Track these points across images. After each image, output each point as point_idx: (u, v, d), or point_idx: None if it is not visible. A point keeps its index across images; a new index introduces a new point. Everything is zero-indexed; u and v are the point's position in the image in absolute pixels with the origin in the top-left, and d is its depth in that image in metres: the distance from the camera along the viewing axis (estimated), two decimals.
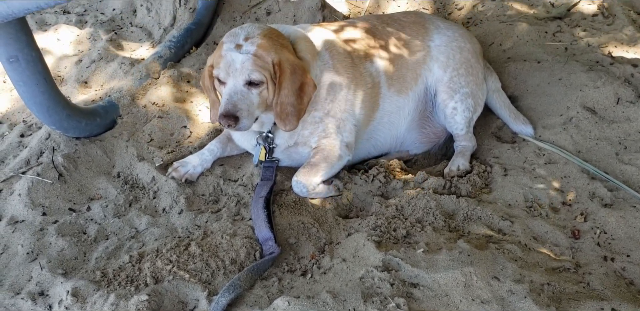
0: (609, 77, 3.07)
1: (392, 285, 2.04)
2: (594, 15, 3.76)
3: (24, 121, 3.30)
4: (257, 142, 2.73)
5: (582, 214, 2.53)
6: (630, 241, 2.39)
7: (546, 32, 3.60)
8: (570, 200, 2.61)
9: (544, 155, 2.85)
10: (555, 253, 2.33)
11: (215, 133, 3.07)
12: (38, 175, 2.73)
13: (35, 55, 2.64)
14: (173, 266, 2.23)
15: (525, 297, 1.98)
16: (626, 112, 2.95)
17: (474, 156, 2.99)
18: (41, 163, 2.79)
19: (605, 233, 2.43)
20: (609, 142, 2.85)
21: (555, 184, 2.68)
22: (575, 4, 3.80)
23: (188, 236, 2.45)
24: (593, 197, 2.61)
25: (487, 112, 3.16)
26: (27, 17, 3.89)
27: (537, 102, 3.15)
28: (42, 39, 3.88)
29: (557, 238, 2.41)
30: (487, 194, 2.69)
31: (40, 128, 3.11)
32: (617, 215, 2.47)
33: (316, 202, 2.63)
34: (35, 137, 2.98)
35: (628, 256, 2.33)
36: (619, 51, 3.39)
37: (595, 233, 2.43)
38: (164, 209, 2.68)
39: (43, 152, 2.88)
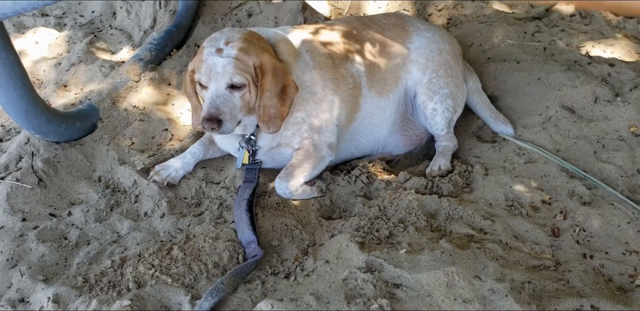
0: (587, 77, 3.11)
1: (375, 286, 2.05)
2: (572, 15, 3.81)
3: (1, 126, 3.26)
4: (240, 145, 2.73)
5: (561, 212, 2.56)
6: (609, 239, 2.43)
7: (525, 33, 3.64)
8: (549, 198, 2.64)
9: (524, 154, 2.88)
10: (536, 252, 2.36)
11: (197, 135, 3.06)
12: (17, 180, 2.70)
13: (13, 59, 2.61)
14: (155, 271, 2.21)
15: (506, 296, 2.00)
16: (604, 110, 2.99)
17: (455, 156, 3.02)
18: (20, 168, 2.76)
19: (585, 231, 2.47)
20: (587, 140, 2.89)
21: (535, 183, 2.71)
22: (554, 5, 3.84)
23: (170, 240, 2.44)
24: (572, 195, 2.64)
25: (468, 112, 3.18)
26: (4, 20, 3.83)
27: (517, 101, 3.18)
28: (19, 42, 3.84)
29: (538, 237, 2.43)
30: (469, 194, 2.71)
31: (19, 132, 3.07)
32: (595, 213, 2.51)
33: (299, 203, 2.63)
34: (14, 142, 2.95)
35: (607, 253, 2.37)
36: (596, 51, 3.44)
37: (574, 231, 2.46)
38: (145, 213, 2.66)
39: (22, 157, 2.85)
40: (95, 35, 3.93)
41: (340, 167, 2.97)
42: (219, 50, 2.43)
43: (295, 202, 2.63)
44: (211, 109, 2.41)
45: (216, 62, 2.41)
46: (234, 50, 2.42)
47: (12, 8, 2.32)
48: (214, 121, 2.39)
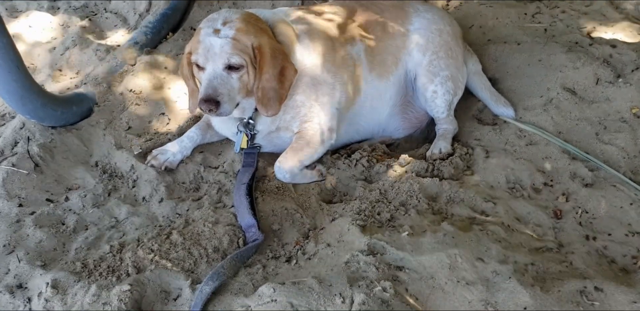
0: (588, 58, 3.07)
1: (377, 268, 2.04)
2: None
3: None
4: (238, 130, 2.69)
5: (563, 194, 2.55)
6: (611, 220, 2.42)
7: (525, 14, 3.59)
8: (551, 180, 2.62)
9: (525, 136, 2.86)
10: (538, 234, 2.35)
11: (195, 120, 3.02)
12: (13, 165, 2.67)
13: (7, 42, 2.56)
14: (155, 256, 2.20)
15: (509, 277, 1.99)
16: (605, 92, 2.96)
17: (455, 139, 2.99)
18: (16, 154, 2.73)
19: (587, 212, 2.45)
20: (589, 122, 2.87)
21: (537, 165, 2.69)
22: None
23: (169, 225, 2.42)
24: (574, 177, 2.62)
25: (468, 94, 3.15)
26: None
27: (518, 83, 3.15)
28: (13, 26, 3.78)
29: (540, 219, 2.42)
30: (470, 176, 2.69)
31: (14, 117, 3.04)
32: (598, 194, 2.49)
33: (299, 187, 2.61)
34: (9, 127, 2.91)
35: (609, 235, 2.36)
36: (597, 32, 3.40)
37: (576, 213, 2.45)
38: (144, 198, 2.63)
39: (18, 142, 2.81)
40: (89, 19, 3.87)
41: (340, 151, 2.95)
42: (217, 31, 2.38)
43: (295, 186, 2.60)
44: (209, 90, 2.37)
45: (213, 42, 2.37)
46: (232, 30, 2.38)
47: None
48: (212, 102, 2.36)
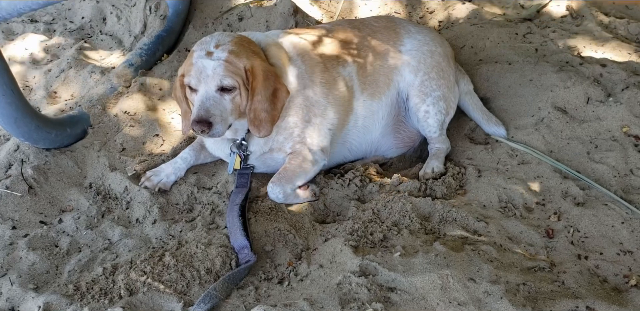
0: (579, 77, 3.11)
1: (369, 290, 2.04)
2: (563, 16, 3.82)
3: None
4: (231, 151, 2.71)
5: (555, 213, 2.55)
6: (603, 239, 2.42)
7: (517, 34, 3.63)
8: (543, 199, 2.63)
9: (517, 155, 2.88)
10: (530, 253, 2.35)
11: (189, 141, 3.04)
12: (7, 188, 2.68)
13: (1, 66, 2.59)
14: (147, 278, 2.19)
15: (501, 298, 1.99)
16: (596, 111, 2.99)
17: (448, 158, 3.01)
18: (10, 176, 2.74)
19: (579, 231, 2.46)
20: (580, 141, 2.89)
21: (529, 184, 2.70)
22: (545, 6, 3.85)
23: (162, 247, 2.42)
24: (566, 196, 2.63)
25: (460, 114, 3.18)
26: None
27: (509, 103, 3.18)
28: (9, 49, 3.82)
29: (532, 238, 2.42)
30: (462, 196, 2.70)
31: (8, 140, 3.05)
32: (589, 213, 2.50)
33: (292, 207, 2.62)
34: (4, 149, 2.93)
35: (601, 253, 2.36)
36: (587, 51, 3.44)
37: (568, 232, 2.45)
38: (137, 219, 2.64)
39: (12, 164, 2.82)
40: (85, 41, 3.91)
41: (333, 171, 2.96)
42: (209, 53, 2.42)
43: (288, 207, 2.61)
44: (201, 111, 2.39)
45: (206, 64, 2.40)
46: (224, 53, 2.42)
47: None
48: (204, 123, 2.38)
